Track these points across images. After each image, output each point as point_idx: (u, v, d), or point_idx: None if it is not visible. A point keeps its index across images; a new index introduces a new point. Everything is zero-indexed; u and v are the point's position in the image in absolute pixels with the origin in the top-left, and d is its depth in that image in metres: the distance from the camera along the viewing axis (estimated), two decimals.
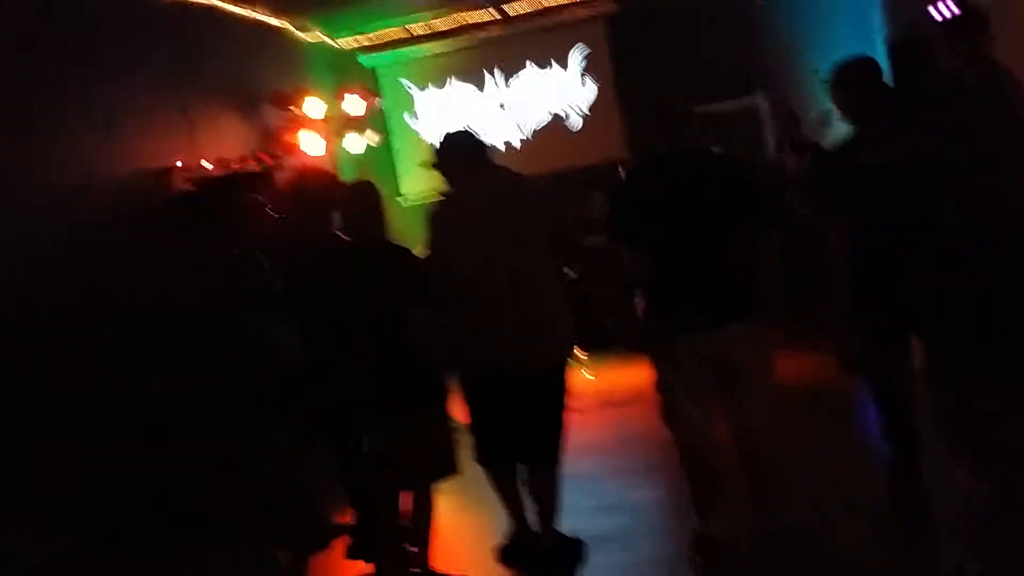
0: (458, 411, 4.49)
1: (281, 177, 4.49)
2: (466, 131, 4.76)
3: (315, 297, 4.18)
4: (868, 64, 4.42)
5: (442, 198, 4.54)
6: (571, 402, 4.58)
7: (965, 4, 5.61)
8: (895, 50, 6.91)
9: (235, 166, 7.56)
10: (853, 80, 4.38)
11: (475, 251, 4.30)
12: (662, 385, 4.29)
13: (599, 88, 11.04)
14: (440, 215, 4.45)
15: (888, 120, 4.30)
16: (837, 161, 4.40)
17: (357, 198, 4.46)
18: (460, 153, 4.51)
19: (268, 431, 4.43)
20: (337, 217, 4.50)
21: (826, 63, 4.55)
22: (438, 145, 4.62)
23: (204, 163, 7.36)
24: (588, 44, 11.03)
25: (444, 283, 4.30)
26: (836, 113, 4.57)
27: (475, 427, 4.49)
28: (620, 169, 8.26)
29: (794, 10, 10.08)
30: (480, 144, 4.56)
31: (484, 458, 4.54)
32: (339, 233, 4.47)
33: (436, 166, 4.55)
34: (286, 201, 4.41)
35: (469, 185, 4.45)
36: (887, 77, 4.51)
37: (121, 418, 5.39)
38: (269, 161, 8.10)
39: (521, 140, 11.28)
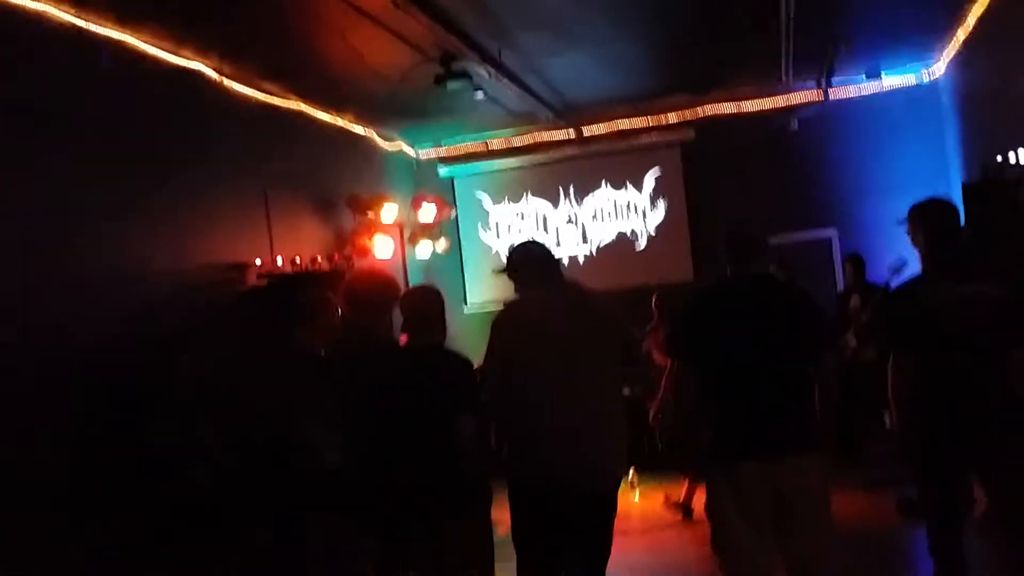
0: (502, 521, 4.44)
1: (344, 278, 4.56)
2: (540, 242, 4.85)
3: (368, 395, 4.20)
4: (941, 205, 4.44)
5: (510, 305, 4.58)
6: (617, 523, 4.51)
7: None
8: (969, 192, 6.92)
9: (307, 266, 7.75)
10: (925, 219, 4.40)
11: (540, 363, 4.30)
12: (715, 511, 4.21)
13: (670, 210, 11.16)
14: (507, 322, 4.49)
15: (957, 261, 4.30)
16: (902, 300, 4.38)
17: (418, 301, 4.52)
18: (533, 263, 4.57)
19: (307, 530, 4.41)
20: (397, 319, 4.56)
21: (903, 205, 4.57)
22: (512, 252, 4.70)
23: (279, 261, 7.57)
24: (663, 168, 11.20)
25: (501, 389, 4.32)
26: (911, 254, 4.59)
27: (522, 541, 4.43)
28: (656, 297, 8.31)
29: (875, 152, 10.25)
30: (552, 257, 4.63)
31: (528, 572, 4.46)
32: (399, 335, 4.52)
33: (508, 273, 4.61)
34: (343, 301, 4.47)
35: (539, 296, 4.49)
36: (961, 219, 4.51)
37: (167, 507, 5.43)
38: (342, 262, 8.29)
39: (586, 256, 11.40)
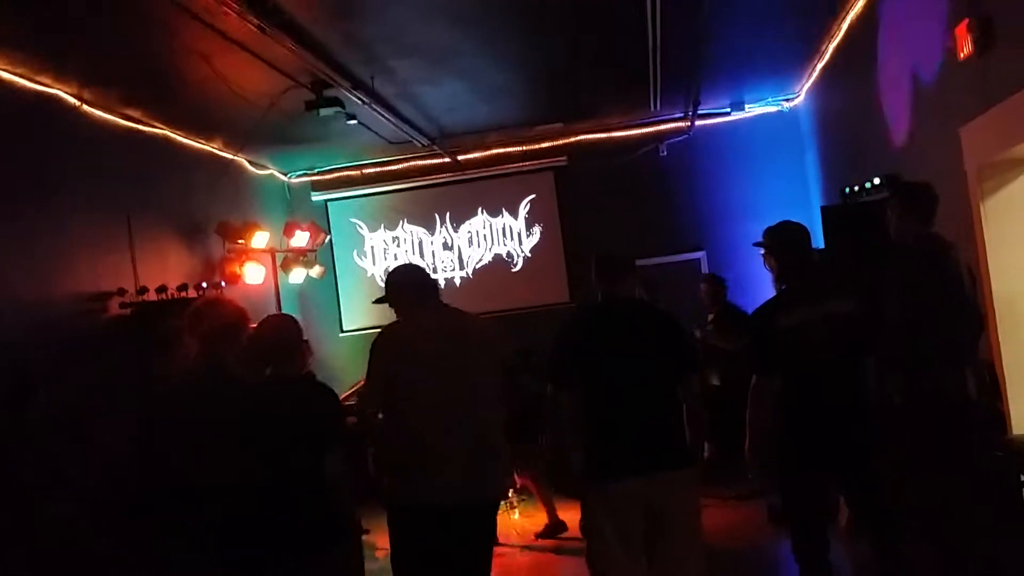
0: (382, 546, 4.39)
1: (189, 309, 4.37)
2: (417, 266, 4.87)
3: (230, 432, 4.04)
4: (793, 228, 4.62)
5: (390, 328, 4.55)
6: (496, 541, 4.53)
7: (895, 183, 5.96)
8: (827, 215, 7.23)
9: (175, 294, 7.55)
10: (778, 242, 4.58)
11: (421, 385, 4.30)
12: (589, 529, 4.27)
13: (545, 235, 11.31)
14: (387, 344, 4.45)
15: (810, 281, 4.49)
16: (760, 322, 4.54)
17: (276, 330, 4.39)
18: (411, 286, 4.56)
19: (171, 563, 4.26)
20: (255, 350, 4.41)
21: (762, 228, 4.74)
22: (389, 276, 4.68)
23: (144, 290, 7.35)
24: (537, 194, 11.35)
25: (381, 412, 4.29)
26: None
27: (401, 565, 4.39)
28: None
29: (740, 177, 10.62)
30: (430, 279, 4.65)
31: None
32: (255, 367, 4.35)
33: (387, 296, 4.58)
34: (189, 332, 4.28)
35: (418, 318, 4.48)
36: (813, 241, 4.71)
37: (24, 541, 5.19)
38: (211, 290, 8.10)
39: (462, 278, 11.45)
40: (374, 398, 4.38)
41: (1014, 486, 4.73)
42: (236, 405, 4.03)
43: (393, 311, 4.62)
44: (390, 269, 4.82)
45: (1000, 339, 5.43)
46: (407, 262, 9.00)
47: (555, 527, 7.66)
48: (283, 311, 9.96)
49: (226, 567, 3.99)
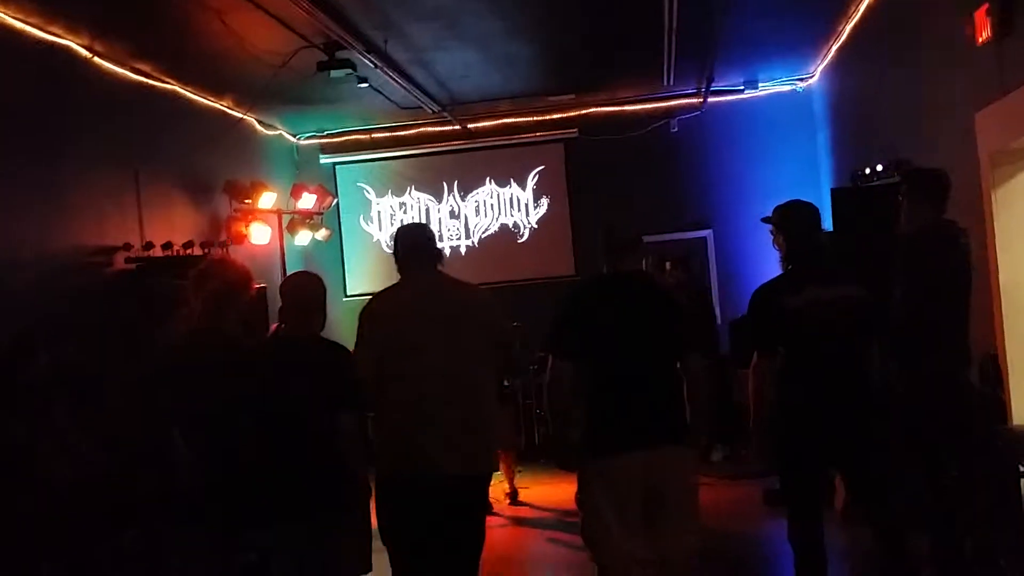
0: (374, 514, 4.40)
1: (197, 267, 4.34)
2: (422, 227, 4.79)
3: (245, 390, 4.05)
4: (803, 207, 4.58)
5: (380, 295, 4.51)
6: (492, 514, 4.54)
7: (907, 169, 5.92)
8: (837, 197, 7.19)
9: (180, 251, 7.54)
10: (786, 221, 4.54)
11: (410, 353, 4.27)
12: (585, 502, 4.26)
13: (552, 206, 11.29)
14: (376, 312, 4.41)
15: (817, 263, 4.46)
16: (765, 301, 4.51)
17: (296, 288, 4.39)
18: (409, 249, 4.50)
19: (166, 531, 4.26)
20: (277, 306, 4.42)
21: (771, 208, 4.70)
22: (397, 233, 4.60)
23: (150, 245, 7.35)
24: (546, 165, 11.31)
25: (374, 380, 4.27)
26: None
27: (392, 534, 4.39)
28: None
29: (750, 157, 10.56)
30: (430, 245, 4.54)
31: (401, 567, 4.43)
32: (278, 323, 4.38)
33: (394, 252, 4.53)
34: (196, 292, 4.24)
35: (410, 285, 4.45)
36: (822, 222, 4.68)
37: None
38: (217, 248, 8.10)
39: (467, 247, 11.43)
40: (367, 364, 4.35)
41: (1013, 475, 4.73)
42: (235, 366, 4.01)
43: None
44: (402, 226, 4.74)
45: (1004, 329, 5.41)
46: (416, 221, 9.00)
47: (514, 494, 8.05)
48: (287, 273, 9.96)
49: (231, 527, 3.99)
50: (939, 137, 6.25)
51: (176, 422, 4.04)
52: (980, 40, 5.24)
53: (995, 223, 5.43)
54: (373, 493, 4.28)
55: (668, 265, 8.97)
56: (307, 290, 4.34)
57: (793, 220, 4.55)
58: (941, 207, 4.71)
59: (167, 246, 7.46)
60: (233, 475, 3.94)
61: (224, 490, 3.95)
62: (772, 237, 4.63)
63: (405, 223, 4.71)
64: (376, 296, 4.49)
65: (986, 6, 5.11)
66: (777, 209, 4.62)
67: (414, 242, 4.51)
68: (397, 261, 4.51)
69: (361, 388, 4.27)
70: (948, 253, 4.64)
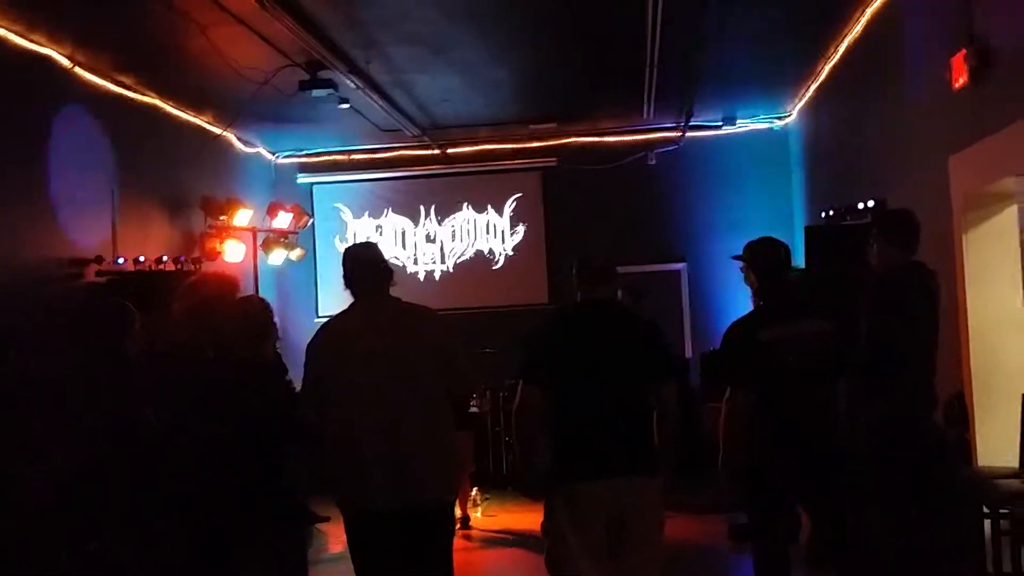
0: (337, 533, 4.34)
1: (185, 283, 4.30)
2: (370, 246, 4.69)
3: (188, 414, 3.95)
4: (772, 244, 4.63)
5: (326, 325, 4.38)
6: (457, 540, 4.49)
7: (878, 210, 5.99)
8: (811, 235, 7.25)
9: (152, 265, 7.49)
10: (757, 257, 4.59)
11: (358, 385, 4.16)
12: (551, 530, 4.25)
13: (528, 234, 11.32)
14: (323, 343, 4.30)
15: (787, 298, 4.50)
16: (737, 336, 4.54)
17: (246, 312, 4.28)
18: (357, 270, 4.42)
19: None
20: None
21: (744, 244, 4.74)
22: (344, 254, 4.45)
23: (122, 259, 7.31)
24: (524, 193, 11.35)
25: (321, 410, 4.23)
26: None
27: (359, 565, 4.34)
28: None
29: (726, 191, 10.65)
30: (379, 266, 4.39)
31: None
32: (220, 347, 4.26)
33: (343, 275, 4.46)
34: (181, 307, 4.21)
35: (359, 311, 4.38)
36: (792, 259, 4.73)
37: None
38: (189, 264, 8.05)
39: (442, 272, 11.44)
40: (308, 400, 4.30)
41: (976, 517, 4.76)
42: (211, 388, 3.97)
43: None
44: (349, 246, 4.66)
45: (972, 370, 5.47)
46: (363, 241, 8.92)
47: (465, 520, 7.96)
48: (260, 292, 9.92)
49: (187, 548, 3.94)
50: (913, 179, 6.33)
51: (138, 433, 4.00)
52: (957, 85, 5.33)
53: (965, 265, 5.50)
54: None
55: (619, 293, 8.90)
56: (255, 315, 4.25)
57: (763, 257, 4.60)
58: (911, 248, 4.76)
59: (139, 260, 7.40)
60: (190, 489, 3.90)
61: (182, 504, 3.91)
62: (743, 274, 4.68)
63: (352, 243, 4.54)
64: (323, 326, 4.41)
65: (963, 52, 5.20)
66: (748, 246, 4.67)
67: (362, 264, 4.40)
68: (346, 284, 4.43)
69: (302, 420, 4.21)
70: (915, 295, 4.68)
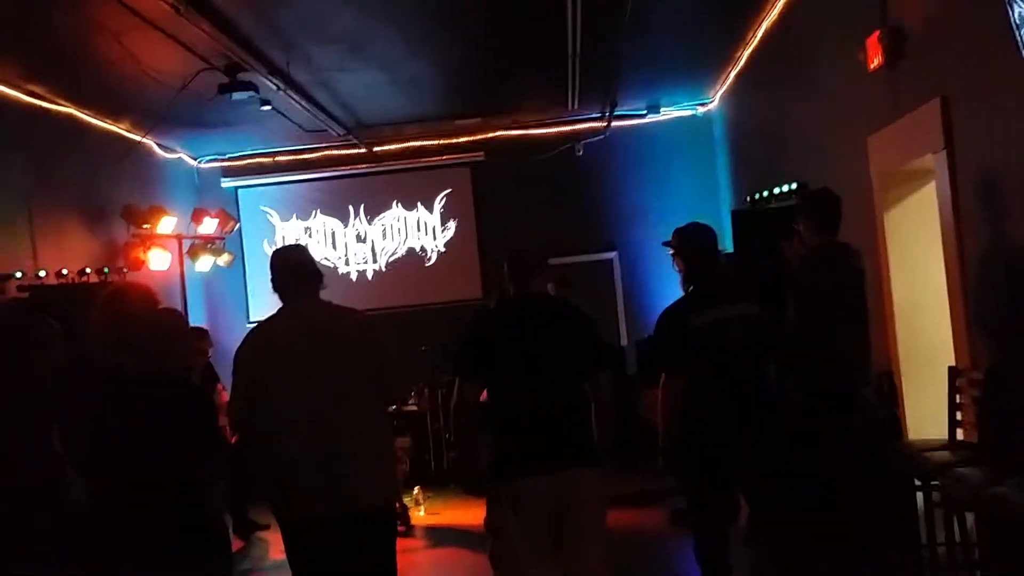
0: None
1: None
2: (297, 249, 4.66)
3: (100, 427, 3.82)
4: (701, 230, 4.69)
5: (253, 331, 4.31)
6: (400, 541, 4.46)
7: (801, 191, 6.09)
8: (737, 219, 7.35)
9: (75, 278, 7.31)
10: (686, 243, 4.65)
11: (285, 391, 4.10)
12: (494, 525, 4.24)
13: (460, 230, 11.29)
14: (249, 350, 4.23)
15: (716, 283, 4.56)
16: (670, 321, 4.59)
17: (157, 323, 4.16)
18: (284, 274, 4.35)
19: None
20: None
21: (674, 230, 4.78)
22: (271, 258, 4.39)
23: (43, 273, 7.12)
24: (453, 189, 11.32)
25: (248, 421, 4.18)
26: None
27: (298, 573, 4.28)
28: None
29: (653, 179, 10.75)
30: (306, 268, 4.32)
31: None
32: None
33: (271, 279, 4.39)
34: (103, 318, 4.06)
35: (286, 315, 4.31)
36: (720, 244, 4.79)
37: None
38: (114, 275, 7.88)
39: (374, 271, 11.36)
40: (237, 407, 4.24)
41: (908, 489, 4.86)
42: (107, 398, 3.84)
43: None
44: (275, 250, 4.60)
45: (898, 346, 5.59)
46: (291, 244, 8.83)
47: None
48: (188, 299, 9.75)
49: (87, 563, 3.81)
50: (834, 160, 6.44)
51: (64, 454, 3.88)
52: (872, 66, 5.42)
53: (888, 243, 5.61)
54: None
55: (550, 286, 8.96)
56: (164, 326, 4.12)
57: (692, 243, 4.65)
58: (831, 228, 4.84)
59: (61, 274, 7.22)
60: (104, 508, 3.78)
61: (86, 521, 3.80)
62: (673, 260, 4.72)
63: (279, 246, 4.46)
64: (250, 332, 4.33)
65: (877, 33, 5.30)
66: (676, 232, 4.72)
67: (290, 268, 4.32)
68: (274, 288, 4.34)
69: (218, 431, 4.12)
70: (836, 274, 4.77)
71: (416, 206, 11.39)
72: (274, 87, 7.83)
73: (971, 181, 4.62)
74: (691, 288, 4.63)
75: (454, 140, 11.10)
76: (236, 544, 6.65)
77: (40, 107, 7.61)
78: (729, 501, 4.68)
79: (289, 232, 11.38)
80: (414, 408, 9.58)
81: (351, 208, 11.40)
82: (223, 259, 10.24)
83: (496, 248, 10.60)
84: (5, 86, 7.12)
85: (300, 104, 8.56)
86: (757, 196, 7.42)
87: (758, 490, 4.58)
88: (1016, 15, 3.89)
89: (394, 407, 6.59)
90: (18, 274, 6.86)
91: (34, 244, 7.30)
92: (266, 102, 8.22)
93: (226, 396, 5.42)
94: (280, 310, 4.32)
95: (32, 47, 6.65)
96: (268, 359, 4.18)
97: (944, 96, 4.75)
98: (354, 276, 11.31)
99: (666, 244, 4.80)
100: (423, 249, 11.37)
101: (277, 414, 4.12)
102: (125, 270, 8.39)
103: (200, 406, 3.98)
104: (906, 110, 5.15)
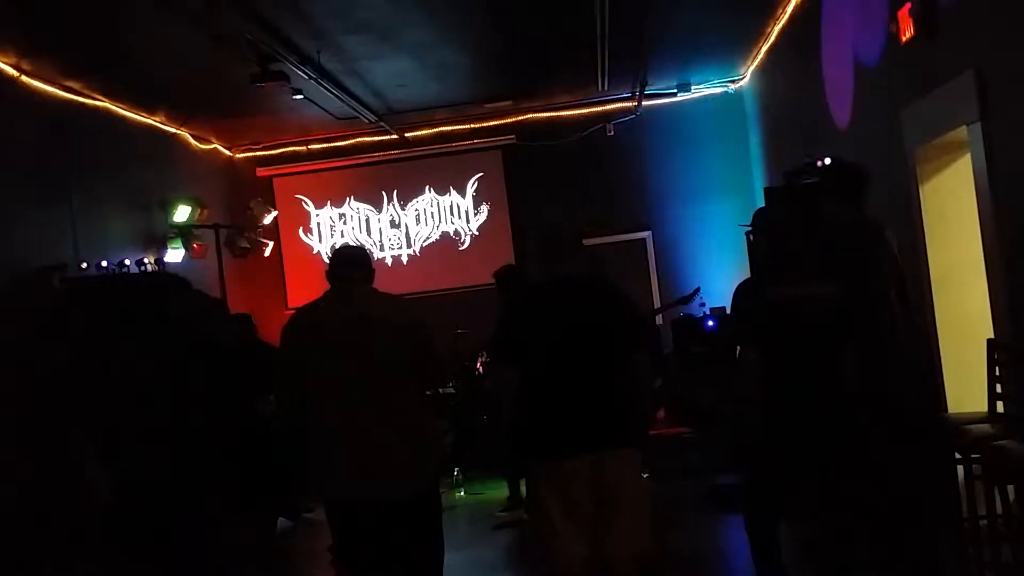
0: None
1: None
2: (349, 247, 4.77)
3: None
4: (781, 211, 4.68)
5: (300, 311, 4.43)
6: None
7: (840, 163, 6.03)
8: (770, 196, 7.29)
9: (115, 270, 7.43)
10: (767, 224, 4.67)
11: (326, 374, 4.20)
12: (536, 506, 4.27)
13: (492, 213, 11.33)
14: (297, 329, 4.34)
15: (794, 263, 4.52)
16: (749, 294, 4.57)
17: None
18: (335, 267, 4.45)
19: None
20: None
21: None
22: (334, 250, 4.58)
23: (84, 265, 7.24)
24: (485, 172, 11.35)
25: (293, 399, 4.28)
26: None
27: (343, 556, 4.35)
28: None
29: (685, 158, 10.70)
30: (356, 262, 4.43)
31: None
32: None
33: (327, 272, 4.48)
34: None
35: (330, 302, 4.39)
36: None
37: None
38: (153, 267, 8.00)
39: (409, 256, 11.42)
40: (285, 385, 4.33)
41: (949, 463, 4.84)
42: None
43: None
44: (335, 247, 4.72)
45: (936, 319, 5.55)
46: (349, 243, 8.94)
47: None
48: (227, 287, 9.87)
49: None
50: (868, 134, 6.39)
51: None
52: (904, 38, 5.37)
53: (924, 216, 5.57)
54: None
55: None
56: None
57: (774, 222, 4.66)
58: (860, 202, 4.79)
59: (101, 266, 7.34)
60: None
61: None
62: (753, 240, 4.68)
63: (341, 245, 4.60)
64: (295, 313, 4.43)
65: (908, 4, 5.24)
66: (758, 213, 4.75)
67: (344, 257, 4.46)
68: (328, 275, 4.43)
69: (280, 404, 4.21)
70: (862, 248, 4.72)
71: (449, 190, 11.43)
72: (305, 76, 7.89)
73: (1007, 152, 4.57)
74: (770, 267, 4.61)
75: (485, 124, 11.12)
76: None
77: (78, 102, 7.72)
78: (791, 481, 4.62)
79: (324, 219, 11.47)
80: (451, 391, 9.63)
81: (384, 194, 11.46)
82: (260, 247, 10.33)
83: (529, 230, 10.59)
84: (46, 83, 7.23)
85: (331, 92, 8.62)
86: (791, 172, 7.36)
87: (827, 473, 4.51)
88: None
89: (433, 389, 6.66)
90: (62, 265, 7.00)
91: (76, 238, 7.43)
92: (298, 91, 8.28)
93: None
94: (326, 294, 4.40)
95: (68, 44, 6.75)
96: (312, 341, 4.26)
97: (979, 68, 4.70)
98: (389, 261, 11.37)
99: (746, 226, 4.79)
100: (456, 233, 11.41)
101: (320, 397, 4.19)
102: (165, 260, 8.51)
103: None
104: (940, 82, 5.09)
